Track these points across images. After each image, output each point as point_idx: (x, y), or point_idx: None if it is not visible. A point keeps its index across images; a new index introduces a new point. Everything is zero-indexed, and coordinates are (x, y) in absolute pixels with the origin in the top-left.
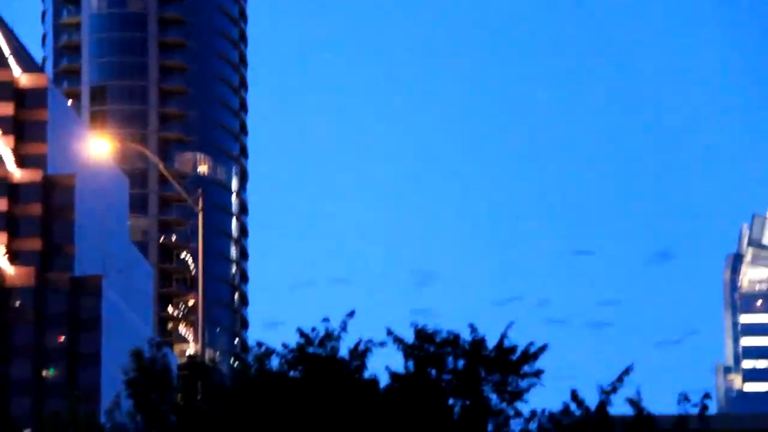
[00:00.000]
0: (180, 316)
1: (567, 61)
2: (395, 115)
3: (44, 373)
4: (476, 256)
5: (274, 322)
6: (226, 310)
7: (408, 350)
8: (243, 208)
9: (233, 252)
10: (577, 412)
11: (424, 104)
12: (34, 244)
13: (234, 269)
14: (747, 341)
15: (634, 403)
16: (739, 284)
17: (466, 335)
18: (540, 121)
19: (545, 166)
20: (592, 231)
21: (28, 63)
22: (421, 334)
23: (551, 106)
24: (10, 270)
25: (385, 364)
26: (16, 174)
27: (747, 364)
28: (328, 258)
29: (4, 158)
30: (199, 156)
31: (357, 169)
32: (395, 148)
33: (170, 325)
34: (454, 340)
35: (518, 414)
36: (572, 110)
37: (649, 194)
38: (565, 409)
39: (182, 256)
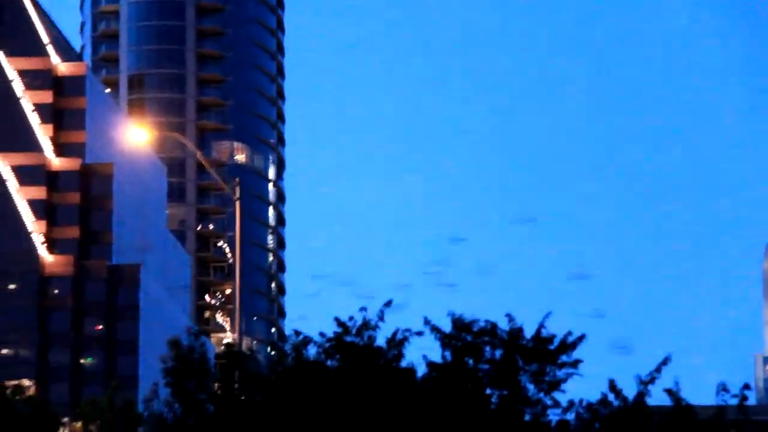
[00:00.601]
0: (217, 304)
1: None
2: (437, 102)
3: (82, 360)
4: (528, 248)
5: (308, 311)
6: (263, 298)
7: (445, 340)
8: (280, 197)
9: (270, 241)
10: (615, 403)
11: (465, 93)
12: (73, 232)
13: (271, 258)
14: None
15: (673, 393)
16: None
17: (503, 324)
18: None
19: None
20: (624, 224)
21: (66, 51)
22: (458, 323)
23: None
24: (48, 258)
25: (422, 353)
26: (55, 162)
27: None
28: (365, 247)
29: (43, 146)
30: (237, 144)
31: (396, 157)
32: (435, 135)
33: (207, 314)
34: (491, 329)
35: (556, 404)
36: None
37: (690, 182)
38: (603, 400)
39: (219, 244)
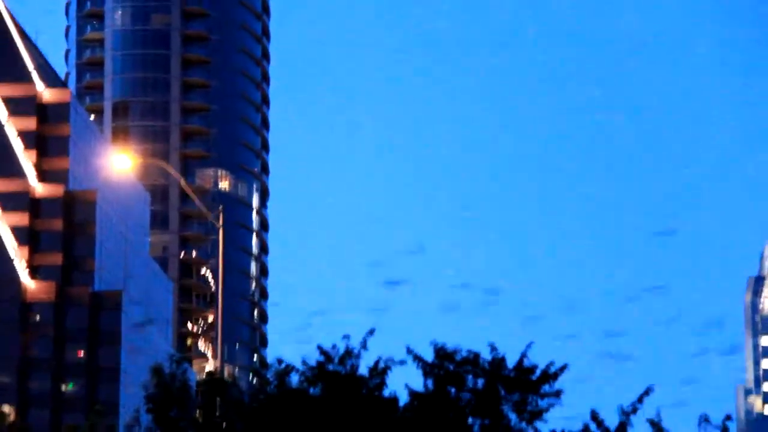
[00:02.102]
0: (199, 332)
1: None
2: (420, 132)
3: (63, 387)
4: (511, 271)
5: (297, 338)
6: (245, 326)
7: (428, 368)
8: (264, 225)
9: (253, 268)
10: None
11: (447, 118)
12: (55, 258)
13: (254, 286)
14: None
15: (655, 423)
16: (760, 306)
17: (486, 354)
18: (548, 125)
19: (562, 180)
20: (605, 253)
21: (51, 78)
22: (440, 352)
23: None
24: (30, 284)
25: (404, 382)
26: (38, 189)
27: None
28: (350, 275)
29: (27, 173)
30: (221, 172)
31: (380, 187)
32: (419, 165)
33: (189, 341)
34: (474, 358)
35: None
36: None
37: (669, 216)
38: (585, 429)
39: (202, 272)
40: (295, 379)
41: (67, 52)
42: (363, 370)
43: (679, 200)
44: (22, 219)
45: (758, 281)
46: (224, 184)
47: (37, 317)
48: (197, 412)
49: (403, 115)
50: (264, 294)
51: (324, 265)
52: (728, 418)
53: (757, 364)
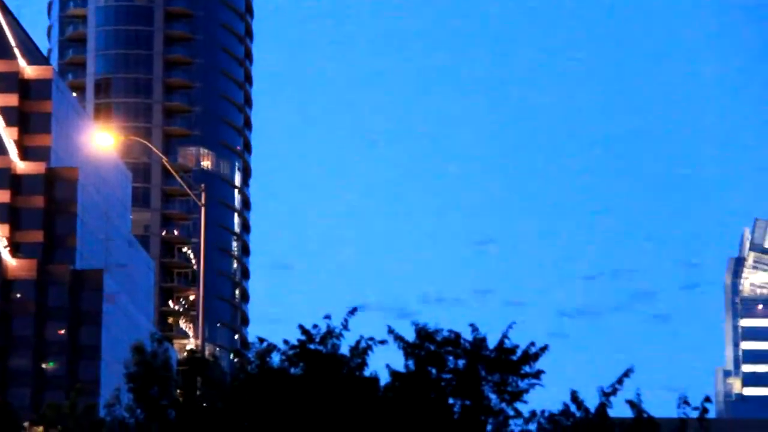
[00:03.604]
0: (181, 310)
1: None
2: (402, 110)
3: (44, 365)
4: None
5: (275, 319)
6: (227, 305)
7: (408, 349)
8: (246, 204)
9: (235, 247)
10: (577, 414)
11: (431, 99)
12: (36, 236)
13: (235, 265)
14: (747, 345)
15: (634, 405)
16: (740, 288)
17: (467, 334)
18: (537, 124)
19: (539, 166)
20: (591, 237)
21: (33, 54)
22: (421, 332)
23: (548, 109)
24: (11, 262)
25: (385, 362)
26: (20, 165)
27: (747, 368)
28: (331, 253)
29: (8, 150)
30: (203, 151)
31: (361, 165)
32: (401, 143)
33: (171, 320)
34: (454, 339)
35: (518, 414)
36: (568, 112)
37: (650, 197)
38: (565, 410)
39: (184, 250)
40: (276, 358)
41: (50, 28)
42: (344, 350)
43: (663, 184)
44: (3, 196)
45: (738, 262)
46: (206, 163)
47: (18, 295)
48: (178, 391)
49: (385, 91)
50: (245, 273)
51: (308, 243)
52: (707, 399)
53: (736, 345)
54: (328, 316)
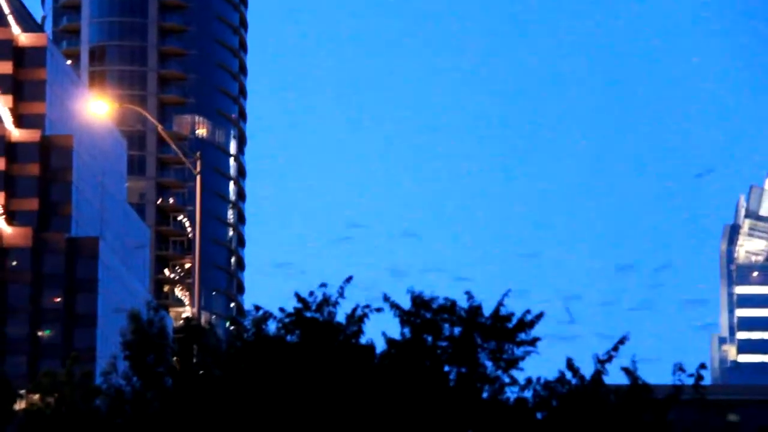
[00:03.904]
0: (176, 278)
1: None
2: (397, 74)
3: (40, 333)
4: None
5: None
6: (222, 273)
7: (404, 316)
8: (241, 172)
9: (230, 215)
10: (573, 381)
11: (428, 70)
12: (31, 204)
13: (231, 233)
14: (742, 312)
15: (630, 372)
16: (735, 256)
17: (462, 302)
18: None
19: (544, 138)
20: (585, 204)
21: (27, 22)
22: (417, 300)
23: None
24: (6, 230)
25: (381, 330)
26: (14, 133)
27: (742, 335)
28: (327, 221)
29: (3, 117)
30: (198, 119)
31: (356, 133)
32: (396, 109)
33: (166, 288)
34: (450, 306)
35: (514, 381)
36: (559, 80)
37: (647, 164)
38: (561, 378)
39: (179, 218)
40: (272, 326)
41: None
42: (340, 317)
43: (660, 151)
44: None
45: (733, 230)
46: (202, 130)
47: (14, 263)
48: (174, 358)
49: (381, 61)
50: (241, 241)
51: (300, 213)
52: (703, 366)
53: (731, 312)
54: (324, 284)
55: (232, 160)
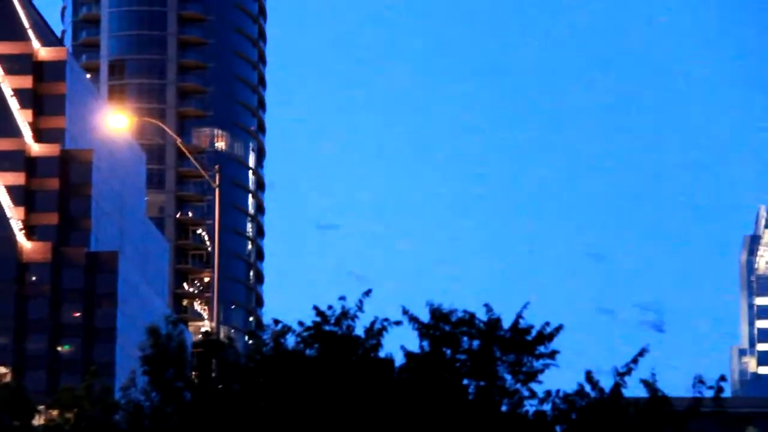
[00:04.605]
0: (195, 292)
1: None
2: (418, 85)
3: (59, 348)
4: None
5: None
6: (241, 287)
7: (423, 330)
8: (260, 185)
9: (249, 229)
10: (592, 394)
11: (451, 80)
12: (51, 218)
13: (250, 246)
14: (763, 324)
15: (649, 384)
16: (755, 266)
17: (481, 315)
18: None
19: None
20: (608, 215)
21: (47, 36)
22: (436, 313)
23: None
24: (26, 244)
25: (400, 343)
26: (34, 148)
27: (762, 346)
28: (346, 234)
29: (22, 132)
30: (217, 132)
31: (378, 142)
32: (417, 119)
33: (185, 302)
34: (469, 319)
35: (533, 395)
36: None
37: (668, 177)
38: (580, 390)
39: (198, 232)
40: (291, 340)
41: (63, 9)
42: (359, 331)
43: (682, 162)
44: (17, 178)
45: (754, 240)
46: (220, 143)
47: (33, 278)
48: (193, 373)
49: (402, 68)
50: (260, 254)
51: (320, 224)
52: (723, 378)
53: (751, 324)
54: (342, 297)
55: (251, 173)
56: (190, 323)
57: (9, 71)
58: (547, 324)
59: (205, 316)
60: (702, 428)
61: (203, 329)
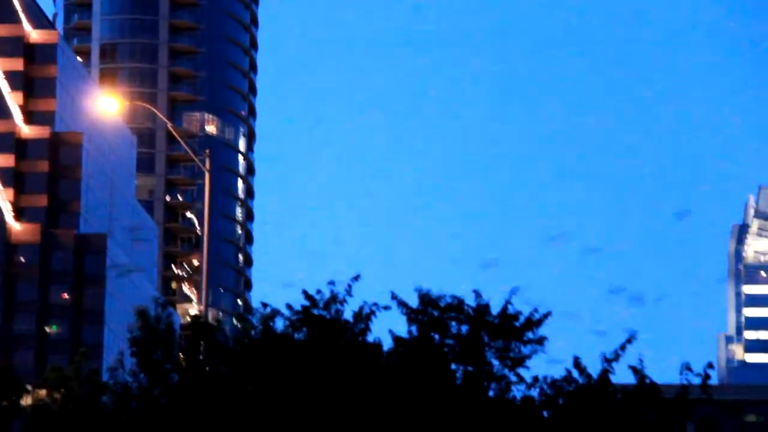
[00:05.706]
0: (184, 275)
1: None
2: (408, 74)
3: (47, 329)
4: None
5: (287, 282)
6: (230, 270)
7: (412, 315)
8: (250, 169)
9: (239, 213)
10: (580, 380)
11: (443, 71)
12: (41, 200)
13: (239, 230)
14: (750, 312)
15: (637, 371)
16: (743, 255)
17: (470, 301)
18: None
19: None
20: (602, 201)
21: (38, 19)
22: (425, 298)
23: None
24: (15, 226)
25: (388, 328)
26: (24, 130)
27: (749, 334)
28: (333, 222)
29: (13, 114)
30: (208, 116)
31: (365, 132)
32: (403, 110)
33: (174, 285)
34: (458, 305)
35: (520, 380)
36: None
37: (656, 165)
38: (568, 376)
39: (188, 215)
40: (279, 323)
41: None
42: (348, 315)
43: (669, 152)
44: (7, 160)
45: (742, 229)
46: (211, 128)
47: (22, 259)
48: (181, 355)
49: (392, 61)
50: (249, 238)
51: (309, 209)
52: (710, 365)
53: (738, 312)
54: (331, 282)
55: (241, 157)
56: (178, 306)
57: (0, 53)
58: (536, 310)
59: (194, 299)
60: (690, 415)
61: (192, 312)
